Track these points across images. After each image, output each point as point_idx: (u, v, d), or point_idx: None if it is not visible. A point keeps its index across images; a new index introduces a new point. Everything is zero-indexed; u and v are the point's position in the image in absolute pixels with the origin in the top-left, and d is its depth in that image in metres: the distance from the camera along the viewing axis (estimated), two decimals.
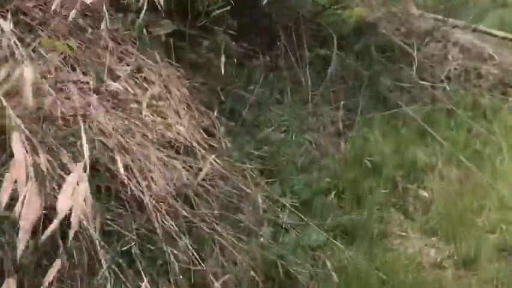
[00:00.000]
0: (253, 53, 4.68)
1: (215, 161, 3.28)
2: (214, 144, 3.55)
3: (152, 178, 2.90)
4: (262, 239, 2.85)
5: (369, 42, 5.34)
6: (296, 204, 3.38)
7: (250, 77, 4.51)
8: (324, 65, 5.31)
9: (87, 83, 3.44)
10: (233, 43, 4.00)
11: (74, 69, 3.55)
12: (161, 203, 2.77)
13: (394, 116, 4.80)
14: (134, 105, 3.42)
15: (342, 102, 4.90)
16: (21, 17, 3.56)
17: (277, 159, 3.82)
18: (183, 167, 3.10)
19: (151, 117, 3.37)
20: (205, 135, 3.58)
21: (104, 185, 2.87)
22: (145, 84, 3.56)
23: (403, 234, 3.67)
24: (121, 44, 3.77)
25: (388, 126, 4.71)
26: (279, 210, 3.23)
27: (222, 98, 4.04)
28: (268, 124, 4.16)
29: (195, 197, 2.85)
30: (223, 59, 3.58)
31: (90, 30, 3.66)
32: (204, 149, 3.40)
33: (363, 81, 5.23)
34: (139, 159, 2.93)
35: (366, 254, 3.35)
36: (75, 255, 2.43)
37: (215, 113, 3.79)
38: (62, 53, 3.59)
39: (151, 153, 2.98)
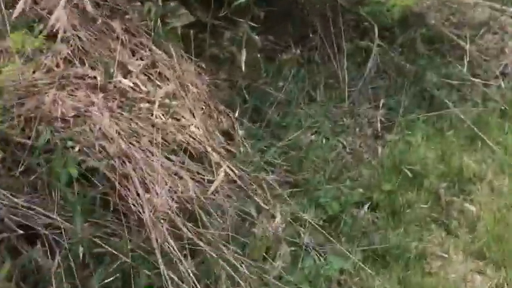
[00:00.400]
0: (283, 46, 4.29)
1: (231, 168, 2.93)
2: (232, 149, 3.20)
3: (155, 190, 2.57)
4: (278, 264, 2.48)
5: (415, 34, 4.83)
6: (321, 221, 2.99)
7: (279, 72, 4.11)
8: (364, 59, 4.84)
9: (95, 77, 3.14)
10: (257, 36, 3.61)
11: (83, 63, 3.26)
12: (162, 220, 2.44)
13: (440, 117, 4.29)
14: (145, 105, 3.10)
15: (382, 101, 4.43)
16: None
17: (304, 166, 3.43)
18: (193, 177, 2.76)
19: (163, 118, 3.04)
20: (223, 139, 3.23)
21: (101, 197, 2.57)
22: (158, 82, 3.23)
23: (445, 255, 3.21)
24: (135, 36, 3.45)
25: (433, 128, 4.22)
26: (301, 228, 2.85)
27: (246, 96, 3.67)
28: (296, 125, 3.76)
29: (202, 213, 2.51)
30: (244, 53, 3.21)
31: (101, 19, 3.35)
32: (220, 154, 3.05)
33: (407, 77, 4.73)
34: (142, 168, 2.61)
35: (401, 279, 2.94)
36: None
37: (236, 113, 3.44)
38: (71, 45, 3.30)
39: (156, 161, 2.65)
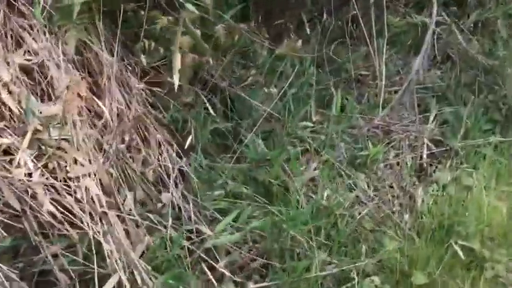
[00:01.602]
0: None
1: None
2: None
3: None
4: None
5: (496, 11, 3.25)
6: None
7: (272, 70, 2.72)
8: (416, 43, 3.36)
9: None
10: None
11: None
12: None
13: None
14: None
15: (434, 111, 2.98)
16: None
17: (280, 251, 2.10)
18: None
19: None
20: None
21: None
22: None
23: None
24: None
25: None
26: None
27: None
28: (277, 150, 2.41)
29: None
30: (177, 56, 1.89)
31: None
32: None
33: (478, 75, 3.23)
34: None
35: None
36: None
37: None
38: None
39: None
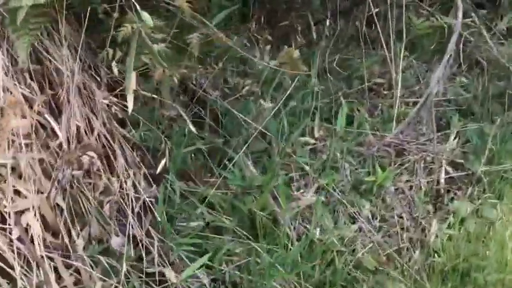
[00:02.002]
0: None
1: None
2: None
3: None
4: None
5: None
6: None
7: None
8: (439, 48, 3.00)
9: None
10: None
11: None
12: None
13: None
14: None
15: (455, 129, 2.62)
16: None
17: None
18: None
19: None
20: None
21: None
22: None
23: None
24: None
25: None
26: None
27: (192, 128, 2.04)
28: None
29: None
30: (132, 76, 1.60)
31: None
32: None
33: (509, 83, 2.86)
34: None
35: None
36: None
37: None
38: None
39: None
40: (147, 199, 1.79)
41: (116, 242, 1.62)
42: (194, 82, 2.33)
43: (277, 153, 2.15)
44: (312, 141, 2.47)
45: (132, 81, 1.64)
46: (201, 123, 2.24)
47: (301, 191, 2.26)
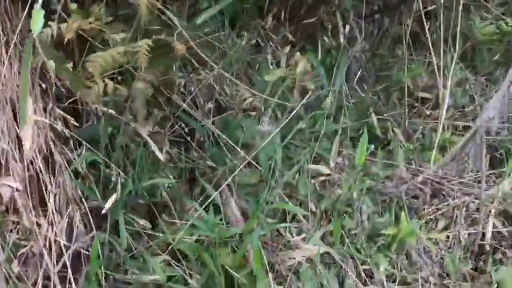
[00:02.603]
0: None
1: None
2: None
3: None
4: None
5: None
6: None
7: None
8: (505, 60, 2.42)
9: None
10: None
11: None
12: None
13: None
14: None
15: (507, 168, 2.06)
16: None
17: None
18: None
19: None
20: None
21: None
22: None
23: None
24: None
25: None
26: None
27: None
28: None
29: None
30: None
31: None
32: None
33: None
34: None
35: None
36: None
37: None
38: None
39: None
40: (83, 250, 1.38)
41: None
42: (183, 90, 1.90)
43: (267, 191, 1.68)
44: (326, 170, 2.00)
45: (27, 106, 1.23)
46: (183, 143, 1.82)
47: (302, 236, 1.80)
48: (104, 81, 1.32)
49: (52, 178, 1.45)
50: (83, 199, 1.47)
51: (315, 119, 1.94)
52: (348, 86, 2.35)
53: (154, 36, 1.47)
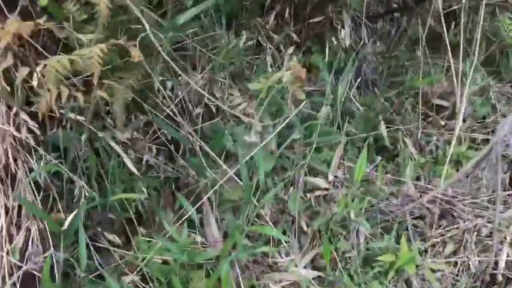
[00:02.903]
0: None
1: None
2: None
3: None
4: None
5: None
6: None
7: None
8: None
9: None
10: None
11: None
12: None
13: None
14: None
15: None
16: None
17: None
18: None
19: None
20: None
21: None
22: None
23: None
24: None
25: None
26: None
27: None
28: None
29: None
30: None
31: None
32: None
33: None
34: None
35: None
36: None
37: None
38: None
39: None
40: (35, 271, 1.26)
41: None
42: (170, 93, 1.76)
43: (248, 209, 1.53)
44: (324, 184, 1.83)
45: None
46: (166, 151, 1.69)
47: (291, 257, 1.65)
48: (58, 88, 1.19)
49: (11, 190, 1.34)
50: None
51: (312, 128, 1.77)
52: (357, 91, 2.18)
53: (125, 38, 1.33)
